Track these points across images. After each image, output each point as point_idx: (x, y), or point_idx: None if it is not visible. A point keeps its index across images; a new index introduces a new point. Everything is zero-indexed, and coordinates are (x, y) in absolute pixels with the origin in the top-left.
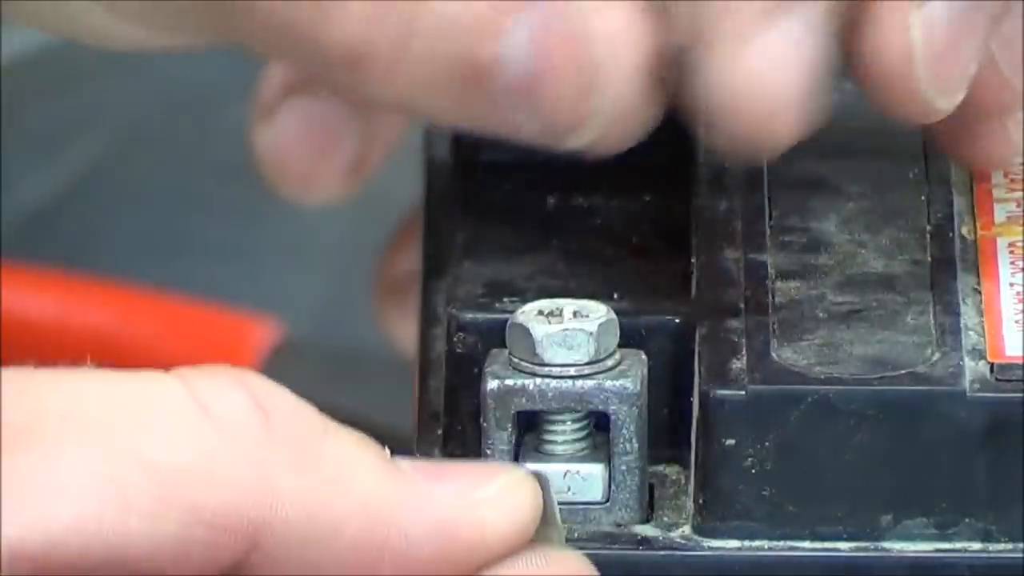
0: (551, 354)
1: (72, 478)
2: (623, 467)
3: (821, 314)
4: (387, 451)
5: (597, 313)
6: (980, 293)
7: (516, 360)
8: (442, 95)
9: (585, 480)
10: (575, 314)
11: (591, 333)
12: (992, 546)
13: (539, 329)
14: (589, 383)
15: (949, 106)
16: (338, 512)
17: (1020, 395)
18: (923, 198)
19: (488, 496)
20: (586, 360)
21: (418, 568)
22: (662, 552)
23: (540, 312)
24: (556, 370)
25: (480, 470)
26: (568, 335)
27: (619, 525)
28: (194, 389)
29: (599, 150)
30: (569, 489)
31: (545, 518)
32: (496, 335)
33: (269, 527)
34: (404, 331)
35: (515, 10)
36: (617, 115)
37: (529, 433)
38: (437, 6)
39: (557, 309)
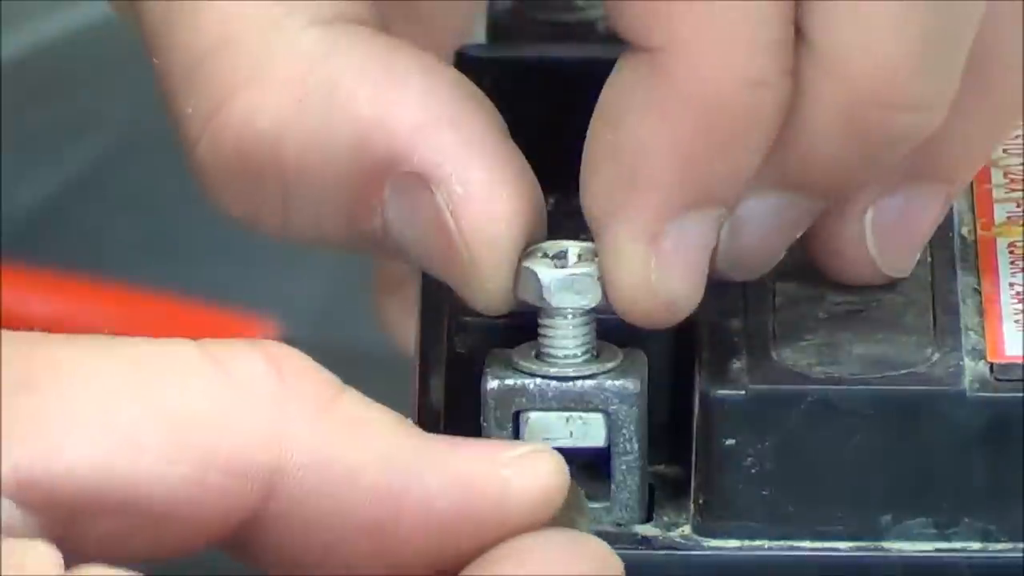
0: (559, 299)
1: (84, 417)
2: (623, 467)
3: (821, 314)
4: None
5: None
6: (980, 293)
7: (516, 360)
8: (343, 248)
9: (587, 425)
10: (579, 256)
11: (599, 277)
12: (992, 546)
13: (547, 274)
14: (590, 383)
15: (903, 274)
16: (354, 460)
17: (1020, 395)
18: None
19: (512, 457)
20: (593, 304)
21: (438, 524)
22: (662, 552)
23: (545, 254)
24: (556, 370)
25: (505, 442)
26: (575, 280)
27: (619, 525)
28: (209, 349)
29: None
30: (572, 435)
31: (571, 503)
32: (496, 335)
33: (283, 474)
34: (404, 329)
35: (386, 187)
36: (497, 291)
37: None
38: (310, 182)
39: (561, 251)
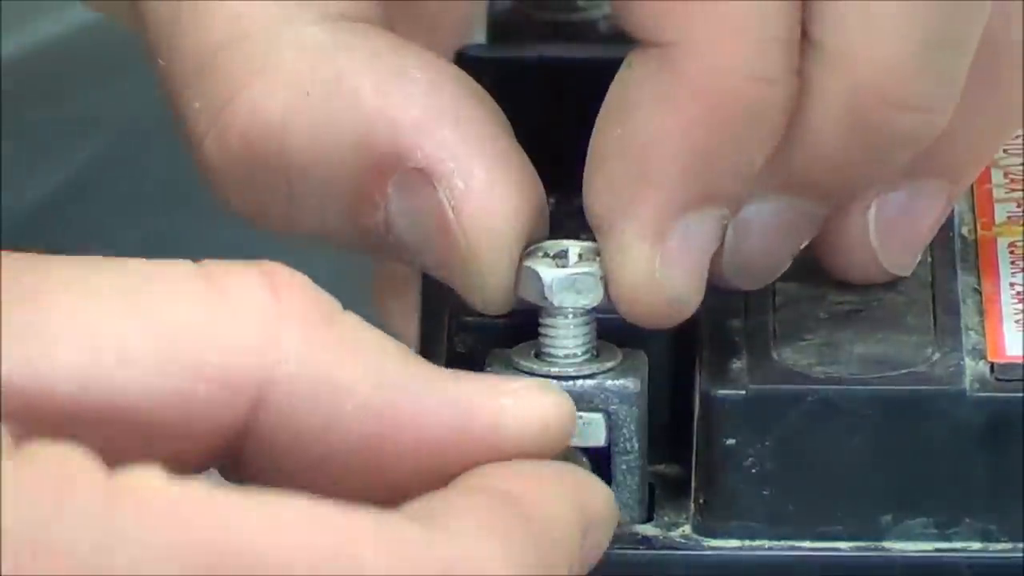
0: (560, 298)
1: (72, 328)
2: (623, 467)
3: (821, 314)
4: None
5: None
6: (980, 293)
7: (516, 360)
8: (346, 245)
9: (588, 425)
10: (580, 256)
11: (600, 277)
12: (992, 546)
13: (548, 273)
14: (590, 383)
15: (905, 271)
16: (347, 376)
17: (1020, 395)
18: None
19: (513, 388)
20: (595, 304)
21: (430, 445)
22: (662, 552)
23: (546, 254)
24: (556, 370)
25: (509, 377)
26: (577, 279)
27: (619, 525)
28: (205, 267)
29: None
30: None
31: (572, 454)
32: (496, 335)
33: (273, 385)
34: (404, 330)
35: (389, 183)
36: (497, 288)
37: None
38: (315, 176)
39: (563, 250)
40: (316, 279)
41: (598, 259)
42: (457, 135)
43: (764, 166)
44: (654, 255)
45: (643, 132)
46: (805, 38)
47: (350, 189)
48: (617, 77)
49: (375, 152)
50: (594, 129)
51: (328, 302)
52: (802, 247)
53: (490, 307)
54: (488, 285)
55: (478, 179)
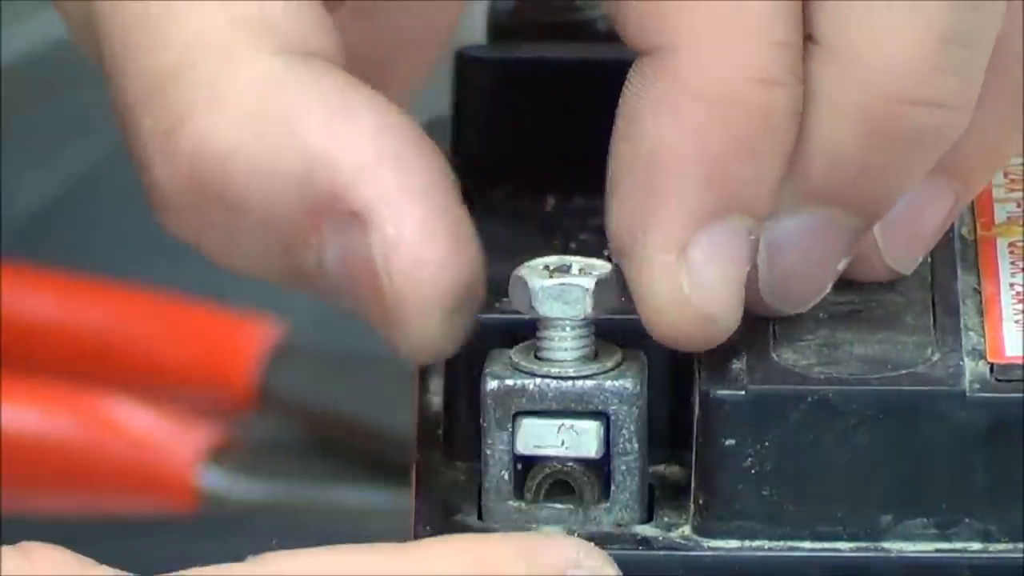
0: (547, 308)
1: None
2: (623, 467)
3: (821, 314)
4: None
5: (600, 270)
6: (980, 293)
7: (516, 360)
8: (281, 281)
9: (580, 435)
10: (580, 271)
11: (587, 289)
12: (992, 546)
13: (536, 282)
14: (589, 383)
15: (908, 270)
16: None
17: (1020, 395)
18: None
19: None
20: (581, 315)
21: None
22: (662, 552)
23: (545, 267)
24: (555, 370)
25: None
26: (564, 289)
27: (619, 525)
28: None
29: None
30: (563, 443)
31: None
32: (496, 335)
33: None
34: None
35: (324, 224)
36: (422, 339)
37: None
38: (255, 210)
39: (564, 265)
40: None
41: (593, 272)
42: (395, 181)
43: (786, 177)
44: (679, 268)
45: (649, 143)
46: (809, 39)
47: (287, 227)
48: (622, 95)
49: (313, 191)
50: (610, 152)
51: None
52: (842, 267)
53: (415, 356)
54: (412, 336)
55: (410, 228)
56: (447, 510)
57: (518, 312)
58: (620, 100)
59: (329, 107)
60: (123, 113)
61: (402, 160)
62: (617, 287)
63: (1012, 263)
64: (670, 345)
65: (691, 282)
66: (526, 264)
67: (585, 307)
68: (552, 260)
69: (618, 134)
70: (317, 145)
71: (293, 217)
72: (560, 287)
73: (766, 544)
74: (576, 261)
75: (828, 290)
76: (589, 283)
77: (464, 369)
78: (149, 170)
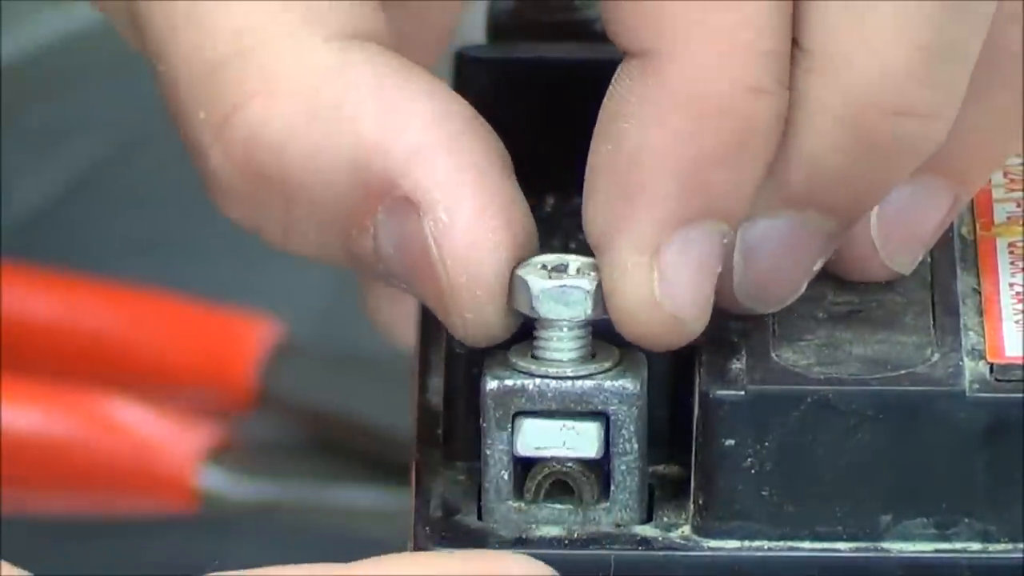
0: (546, 309)
1: None
2: (623, 467)
3: (821, 314)
4: None
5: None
6: (980, 293)
7: (515, 360)
8: (340, 265)
9: (580, 435)
10: (578, 271)
11: (588, 291)
12: (992, 546)
13: (537, 283)
14: (589, 383)
15: (907, 269)
16: None
17: (1020, 395)
18: None
19: None
20: (581, 317)
21: None
22: (662, 552)
23: (544, 266)
24: (555, 370)
25: None
26: (565, 291)
27: (619, 525)
28: None
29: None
30: (564, 444)
31: None
32: None
33: None
34: (402, 328)
35: (379, 209)
36: (476, 320)
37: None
38: (311, 196)
39: (562, 264)
40: (315, 279)
41: (592, 274)
42: (448, 166)
43: (764, 180)
44: (651, 271)
45: (630, 146)
46: (795, 46)
47: (343, 212)
48: (606, 94)
49: (368, 177)
50: (590, 150)
51: None
52: (817, 267)
53: (472, 341)
54: (468, 322)
55: (463, 214)
56: (447, 510)
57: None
58: (605, 98)
59: (383, 93)
60: (176, 105)
61: (456, 145)
62: None
63: (1012, 263)
64: (639, 344)
65: (662, 284)
66: (525, 263)
67: (585, 309)
68: (550, 259)
69: (599, 133)
70: (371, 131)
71: (348, 202)
72: (561, 289)
73: (766, 544)
74: (573, 260)
75: (803, 290)
76: (590, 285)
77: (463, 369)
78: (205, 160)
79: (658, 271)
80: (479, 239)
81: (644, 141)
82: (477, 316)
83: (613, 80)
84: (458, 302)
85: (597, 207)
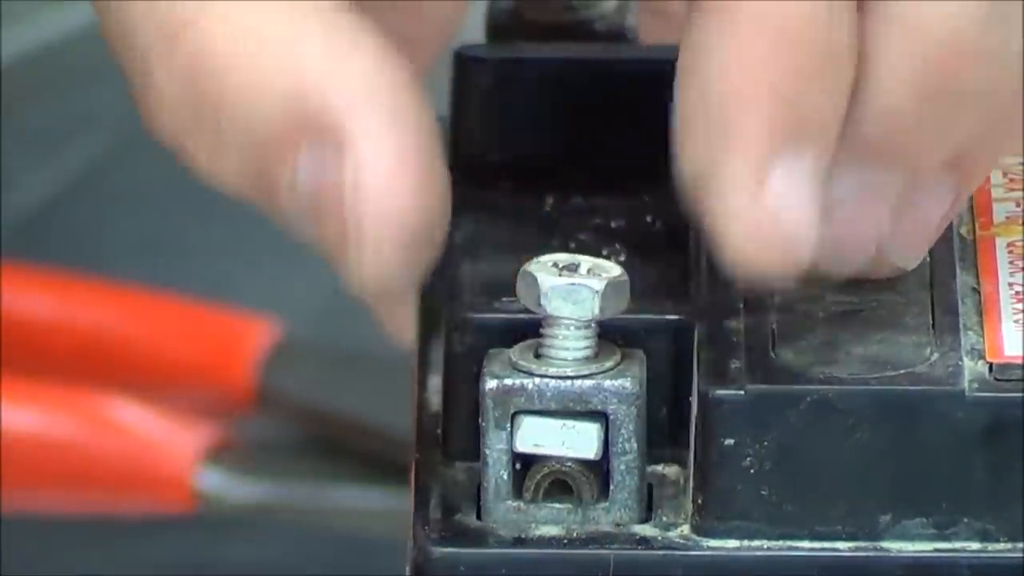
0: (555, 306)
1: None
2: (622, 467)
3: (820, 314)
4: None
5: (610, 272)
6: (979, 293)
7: (515, 360)
8: (259, 196)
9: (580, 435)
10: (589, 271)
11: (597, 291)
12: (992, 546)
13: (547, 280)
14: (588, 383)
15: (909, 265)
16: None
17: (1019, 395)
18: None
19: None
20: (588, 316)
21: None
22: (662, 552)
23: (555, 264)
24: (554, 370)
25: None
26: (574, 289)
27: (618, 525)
28: None
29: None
30: (564, 443)
31: None
32: (496, 335)
33: None
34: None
35: (304, 144)
36: (373, 268)
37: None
38: (243, 121)
39: (573, 263)
40: (315, 279)
41: (603, 275)
42: (383, 116)
43: (842, 112)
44: (760, 196)
45: (719, 80)
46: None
47: (270, 141)
48: (682, 44)
49: (303, 110)
50: (674, 105)
51: None
52: (886, 228)
53: (363, 286)
54: (363, 263)
55: (384, 156)
56: (446, 510)
57: (517, 312)
58: (680, 54)
59: (333, 37)
60: (122, 23)
61: (394, 99)
62: (626, 291)
63: (1011, 263)
64: (754, 274)
65: (774, 208)
66: (535, 260)
67: (593, 308)
68: (562, 258)
69: (683, 85)
70: (315, 70)
71: (277, 132)
72: (570, 287)
73: (765, 544)
74: (585, 261)
75: (873, 253)
76: (599, 285)
77: (463, 369)
78: (147, 73)
79: (768, 196)
80: (395, 183)
81: (732, 73)
82: (374, 260)
83: (688, 29)
84: (359, 243)
85: (692, 151)
